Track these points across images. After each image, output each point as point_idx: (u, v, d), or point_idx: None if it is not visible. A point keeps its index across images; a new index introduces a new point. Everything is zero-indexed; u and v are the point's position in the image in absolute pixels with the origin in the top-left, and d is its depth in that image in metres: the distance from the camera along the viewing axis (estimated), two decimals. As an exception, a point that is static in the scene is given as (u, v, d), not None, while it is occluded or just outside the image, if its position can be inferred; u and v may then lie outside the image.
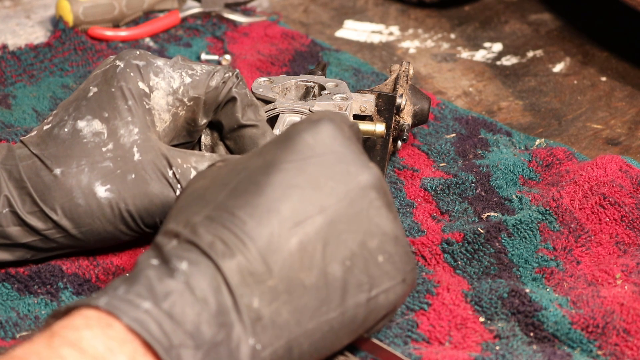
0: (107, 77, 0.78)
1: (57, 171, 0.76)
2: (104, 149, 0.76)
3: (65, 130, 0.77)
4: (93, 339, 0.56)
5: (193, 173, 0.77)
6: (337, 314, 0.63)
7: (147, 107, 0.78)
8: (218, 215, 0.62)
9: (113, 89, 0.77)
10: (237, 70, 0.82)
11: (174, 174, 0.77)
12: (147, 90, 0.78)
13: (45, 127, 0.78)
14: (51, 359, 0.55)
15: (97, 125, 0.77)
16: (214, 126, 0.84)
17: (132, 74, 0.78)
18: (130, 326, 0.57)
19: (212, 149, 0.84)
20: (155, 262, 0.61)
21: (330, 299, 0.63)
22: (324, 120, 0.66)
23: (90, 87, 0.79)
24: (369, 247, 0.64)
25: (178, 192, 0.77)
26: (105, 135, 0.76)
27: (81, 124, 0.77)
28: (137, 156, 0.76)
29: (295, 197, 0.63)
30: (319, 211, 0.63)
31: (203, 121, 0.82)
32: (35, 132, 0.78)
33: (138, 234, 0.78)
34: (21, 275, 0.78)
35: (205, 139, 0.84)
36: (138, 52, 0.80)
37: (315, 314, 0.62)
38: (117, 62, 0.79)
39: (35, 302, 0.76)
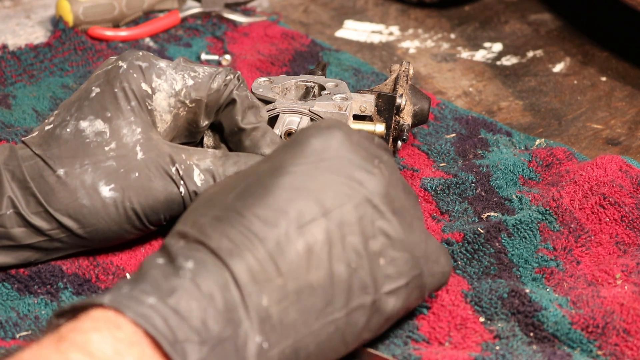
0: (109, 78, 0.78)
1: (61, 172, 0.76)
2: (106, 149, 0.76)
3: (68, 130, 0.77)
4: (101, 342, 0.56)
5: (196, 170, 0.78)
6: (342, 315, 0.63)
7: (149, 108, 0.78)
8: (225, 216, 0.63)
9: (116, 90, 0.78)
10: (239, 73, 0.82)
11: (177, 170, 0.77)
12: (149, 91, 0.78)
13: (46, 128, 0.78)
14: None
15: (99, 125, 0.77)
16: (216, 128, 0.84)
17: (135, 75, 0.78)
18: (136, 321, 0.57)
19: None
20: (161, 261, 0.61)
21: (335, 300, 0.63)
22: (333, 127, 0.67)
23: (93, 88, 0.79)
24: (372, 250, 0.65)
25: (182, 189, 0.77)
26: (108, 134, 0.76)
27: (84, 124, 0.77)
28: (140, 155, 0.77)
29: (302, 200, 0.63)
30: (324, 213, 0.63)
31: (205, 123, 0.82)
32: (36, 133, 0.78)
33: (142, 232, 0.79)
34: (21, 275, 0.78)
35: (208, 140, 0.84)
36: (141, 53, 0.80)
37: (321, 314, 0.63)
38: (120, 63, 0.79)
39: (35, 302, 0.76)
